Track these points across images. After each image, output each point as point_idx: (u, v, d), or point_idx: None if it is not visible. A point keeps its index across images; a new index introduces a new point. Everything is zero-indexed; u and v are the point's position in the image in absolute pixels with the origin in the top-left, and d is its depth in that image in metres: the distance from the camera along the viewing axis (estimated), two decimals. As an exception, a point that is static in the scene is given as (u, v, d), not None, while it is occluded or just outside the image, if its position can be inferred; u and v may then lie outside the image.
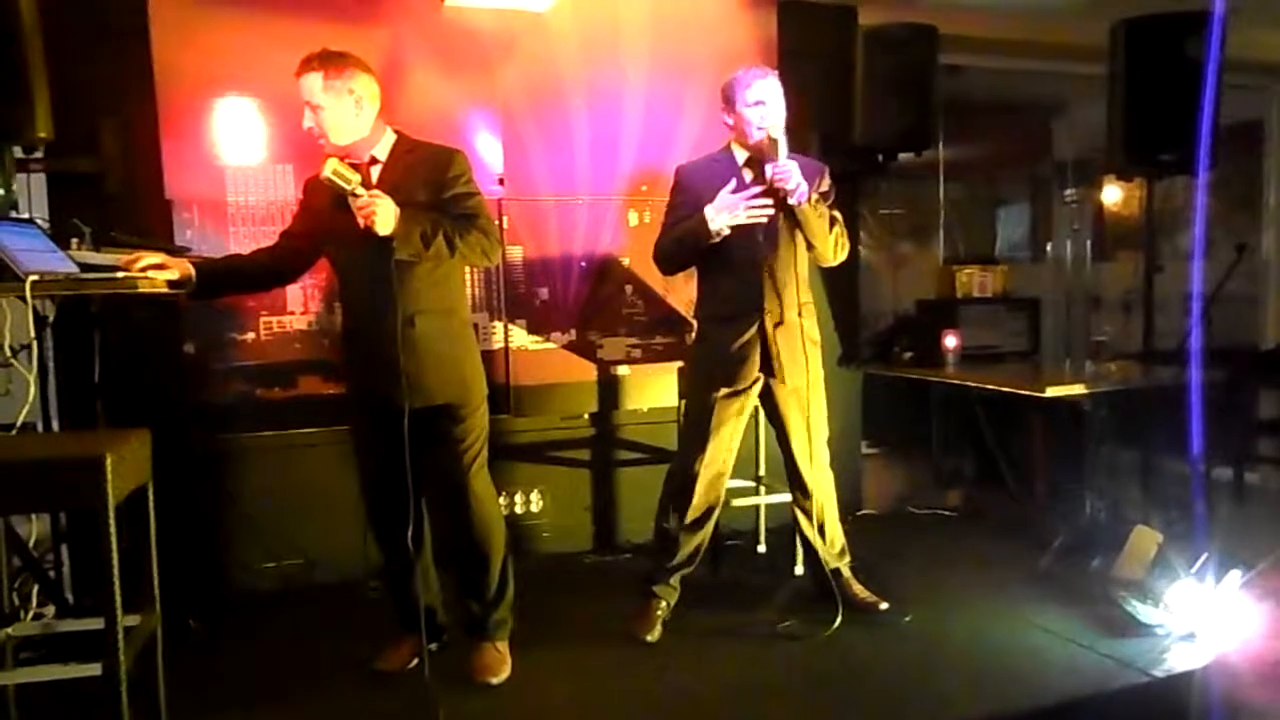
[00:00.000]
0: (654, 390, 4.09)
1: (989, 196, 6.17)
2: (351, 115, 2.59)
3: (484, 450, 2.77)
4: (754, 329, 3.04)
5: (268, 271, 2.82)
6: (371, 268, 2.54)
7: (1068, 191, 5.61)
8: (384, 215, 2.43)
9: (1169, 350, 3.78)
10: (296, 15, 3.58)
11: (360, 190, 2.46)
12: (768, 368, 3.07)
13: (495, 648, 2.80)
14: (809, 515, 3.21)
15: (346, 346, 2.81)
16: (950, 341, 4.22)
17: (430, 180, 2.63)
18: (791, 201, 2.91)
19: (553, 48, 3.91)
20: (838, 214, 3.09)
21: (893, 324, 4.84)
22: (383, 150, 2.66)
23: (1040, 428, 4.06)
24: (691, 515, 3.13)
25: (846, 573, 3.28)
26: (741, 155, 3.06)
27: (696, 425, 3.12)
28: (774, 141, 2.87)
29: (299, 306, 3.66)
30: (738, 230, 2.94)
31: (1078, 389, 3.62)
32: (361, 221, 2.44)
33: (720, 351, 3.06)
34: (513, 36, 3.84)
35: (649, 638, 3.04)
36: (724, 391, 3.05)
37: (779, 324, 3.05)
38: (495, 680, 2.73)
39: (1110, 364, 4.10)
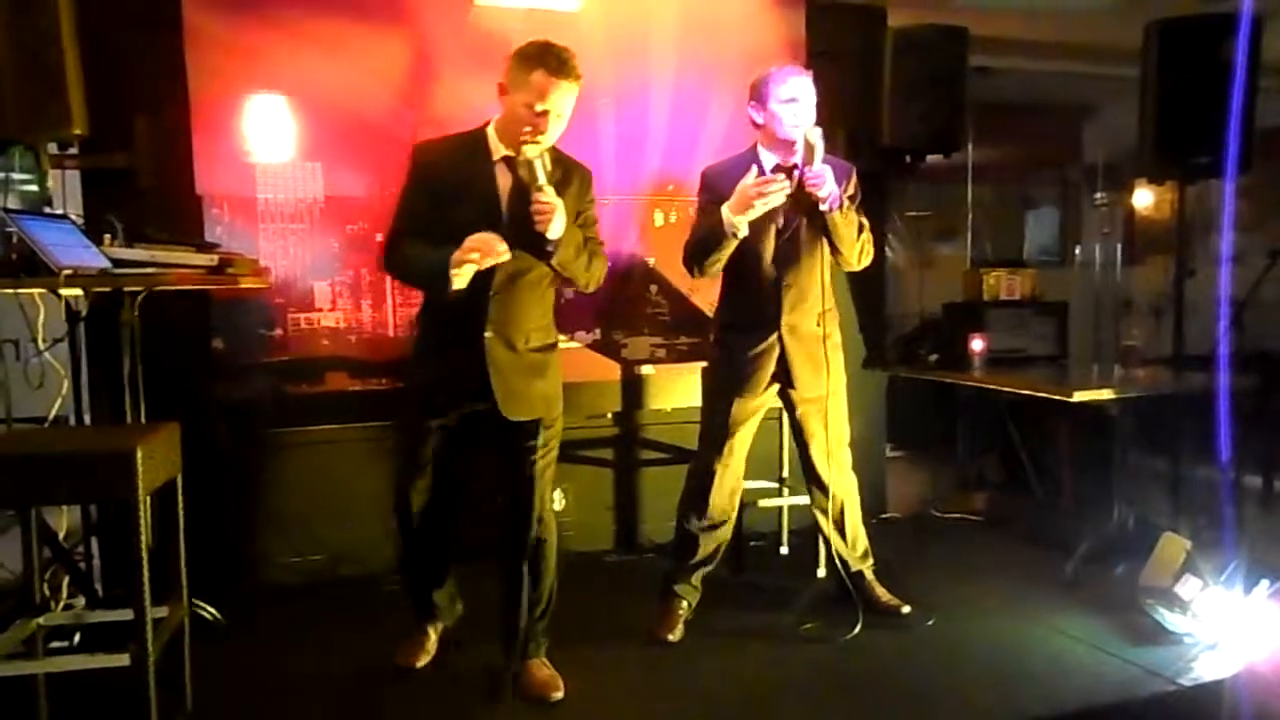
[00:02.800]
0: (678, 390, 4.08)
1: (1018, 199, 6.13)
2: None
3: (554, 464, 2.75)
4: (771, 339, 3.04)
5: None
6: (505, 273, 2.53)
7: (1097, 194, 5.56)
8: (559, 220, 2.43)
9: (1200, 356, 3.73)
10: (327, 14, 3.61)
11: (548, 187, 2.43)
12: (785, 377, 3.07)
13: (544, 663, 2.74)
14: (828, 516, 3.21)
15: (438, 349, 2.68)
16: (977, 344, 4.18)
17: (573, 195, 2.61)
18: (823, 208, 2.89)
19: (581, 48, 3.85)
20: (864, 219, 3.08)
21: (919, 326, 4.81)
22: (549, 159, 2.54)
23: (1067, 433, 4.02)
24: (711, 514, 3.13)
25: (869, 575, 3.27)
26: (769, 158, 3.02)
27: (714, 427, 3.13)
28: (811, 147, 2.82)
29: (327, 303, 3.69)
30: (758, 239, 2.95)
31: (1106, 394, 3.58)
32: (538, 222, 2.41)
33: (737, 360, 3.06)
34: (542, 35, 3.84)
35: (671, 637, 3.04)
36: (740, 398, 3.06)
37: (797, 334, 3.05)
38: (558, 695, 2.65)
39: (1139, 369, 4.06)
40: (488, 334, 2.57)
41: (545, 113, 2.46)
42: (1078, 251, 5.67)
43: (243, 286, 3.22)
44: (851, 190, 3.09)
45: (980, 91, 4.42)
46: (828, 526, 3.22)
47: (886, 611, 3.19)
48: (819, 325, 3.08)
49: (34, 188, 3.47)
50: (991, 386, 3.97)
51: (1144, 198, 5.78)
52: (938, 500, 4.66)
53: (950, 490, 4.76)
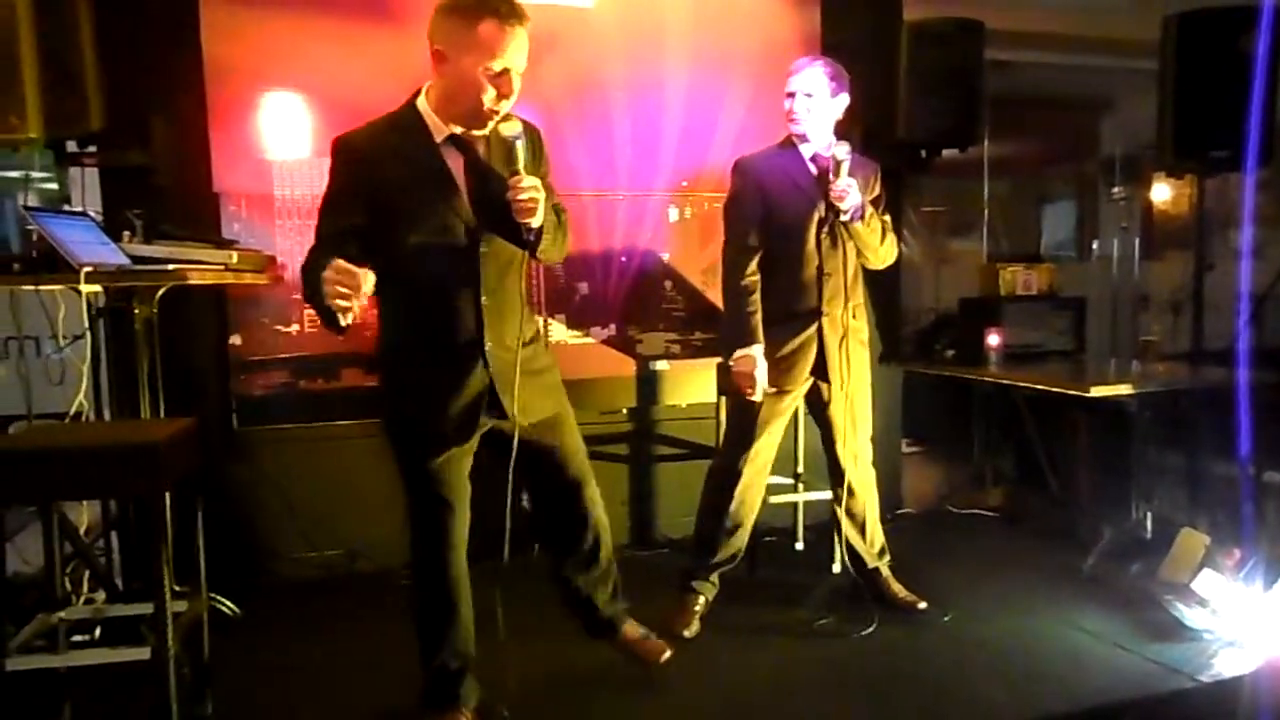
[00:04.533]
0: (693, 386, 4.08)
1: (1034, 193, 6.09)
2: None
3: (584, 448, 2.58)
4: (810, 331, 3.03)
5: None
6: (491, 269, 2.24)
7: (1115, 189, 5.52)
8: (544, 205, 2.12)
9: (1219, 351, 3.70)
10: (343, 11, 3.62)
11: (523, 170, 2.09)
12: (820, 370, 3.06)
13: (635, 624, 2.69)
14: (852, 515, 3.20)
15: (424, 367, 2.27)
16: (993, 340, 4.16)
17: (536, 162, 2.25)
18: (844, 219, 2.92)
19: (595, 43, 3.91)
20: (888, 218, 3.10)
21: (935, 321, 4.80)
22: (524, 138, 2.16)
23: (1085, 428, 4.00)
24: (734, 512, 3.12)
25: (885, 571, 3.26)
26: (808, 149, 3.03)
27: (742, 423, 3.10)
28: (839, 163, 2.86)
29: (343, 299, 3.70)
30: (794, 232, 2.98)
31: (1124, 389, 3.56)
32: (519, 210, 2.09)
33: (773, 353, 3.02)
34: (556, 32, 3.85)
35: (686, 633, 3.04)
36: (772, 391, 3.03)
37: (834, 325, 3.04)
38: (668, 653, 2.65)
39: (1157, 364, 4.03)
40: (488, 344, 2.26)
41: (506, 71, 2.09)
42: (1095, 246, 5.63)
43: (259, 282, 3.24)
44: (876, 191, 3.13)
45: (997, 85, 4.40)
46: (848, 523, 3.21)
47: (903, 607, 3.18)
48: (853, 318, 3.09)
49: (53, 185, 3.50)
50: (1008, 382, 3.95)
51: (1162, 192, 5.73)
52: (954, 496, 4.64)
53: (966, 486, 4.74)
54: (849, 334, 3.06)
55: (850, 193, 2.86)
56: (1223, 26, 3.48)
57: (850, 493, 3.17)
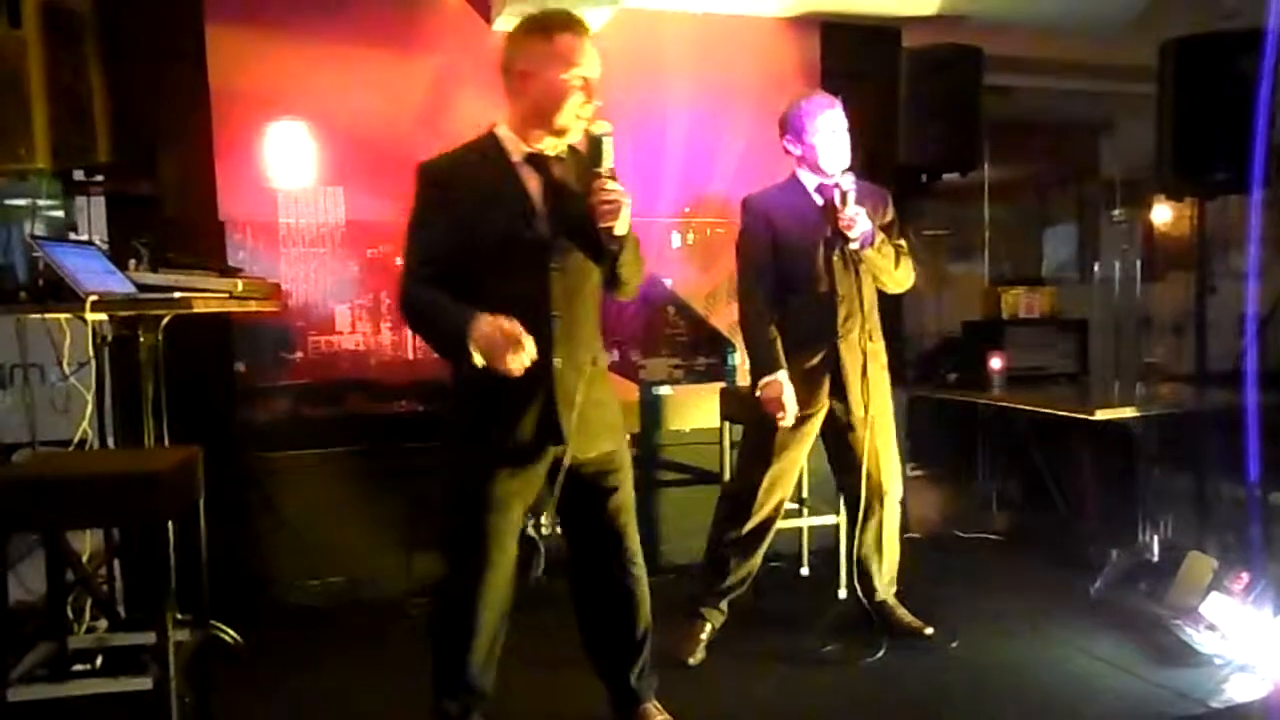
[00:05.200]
0: (696, 411, 4.08)
1: (1035, 216, 6.10)
2: None
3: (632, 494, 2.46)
4: (825, 354, 3.04)
5: None
6: (562, 285, 2.21)
7: (1116, 211, 5.53)
8: (627, 215, 2.13)
9: (1223, 372, 3.69)
10: (347, 40, 3.66)
11: (607, 175, 2.12)
12: (839, 393, 3.06)
13: (657, 707, 2.53)
14: (875, 545, 3.17)
15: (494, 386, 2.13)
16: (996, 363, 4.17)
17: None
18: (853, 247, 2.96)
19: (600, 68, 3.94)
20: (902, 243, 3.14)
21: (938, 345, 4.80)
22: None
23: (1090, 451, 3.99)
24: (746, 536, 3.10)
25: (892, 600, 3.24)
26: (811, 181, 3.07)
27: (759, 448, 3.09)
28: (844, 194, 2.90)
29: (347, 326, 3.72)
30: (803, 261, 3.01)
31: (1128, 412, 3.55)
32: (603, 216, 2.10)
33: (794, 377, 3.00)
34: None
35: (691, 661, 3.02)
36: (800, 413, 3.01)
37: (851, 350, 3.05)
38: None
39: (1161, 386, 4.03)
40: (557, 361, 2.20)
41: (589, 80, 2.17)
42: (1096, 268, 5.63)
43: (264, 310, 3.25)
44: (888, 217, 3.16)
45: (996, 110, 4.42)
46: (868, 553, 3.18)
47: (909, 634, 3.16)
48: (871, 340, 3.10)
49: (59, 214, 3.52)
50: (1011, 405, 3.94)
51: (1163, 214, 5.74)
52: (959, 520, 4.62)
53: (972, 510, 4.72)
54: (868, 357, 3.07)
55: (858, 220, 2.91)
56: (1220, 50, 3.50)
57: (880, 523, 3.16)
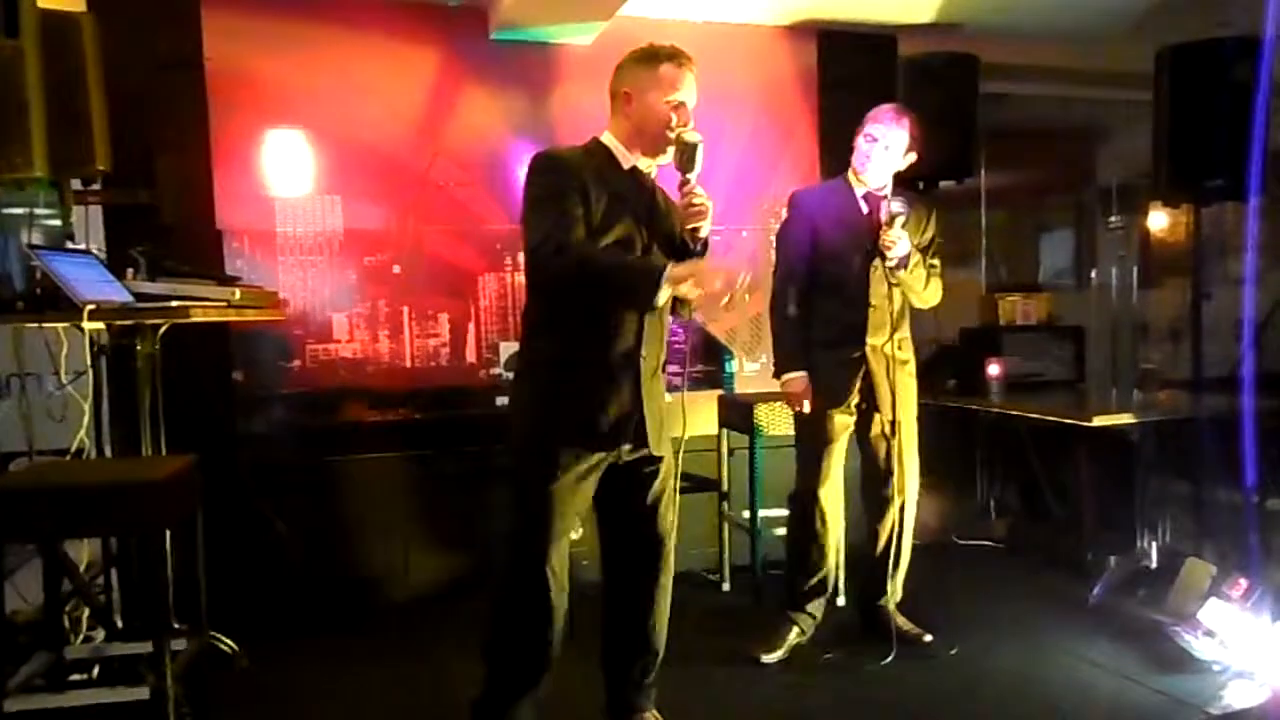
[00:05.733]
0: (694, 418, 4.06)
1: (1032, 223, 6.11)
2: None
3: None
4: (853, 356, 3.08)
5: None
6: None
7: (1112, 218, 5.54)
8: (710, 217, 2.28)
9: (1219, 378, 3.70)
10: (345, 49, 3.67)
11: (693, 179, 2.28)
12: (869, 395, 3.11)
13: (656, 716, 2.55)
14: (898, 554, 3.18)
15: (584, 378, 2.31)
16: (994, 369, 4.17)
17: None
18: (890, 265, 3.01)
19: (597, 79, 3.93)
20: (936, 263, 3.19)
21: (935, 352, 4.79)
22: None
23: (1087, 458, 3.99)
24: (820, 533, 3.14)
25: (892, 607, 3.24)
26: (859, 186, 3.11)
27: (816, 444, 3.12)
28: (894, 216, 2.96)
29: (345, 335, 3.72)
30: (841, 265, 3.06)
31: (1126, 418, 3.56)
32: (689, 213, 2.25)
33: (824, 373, 3.08)
34: (558, 68, 3.90)
35: (765, 658, 3.06)
36: (834, 409, 3.08)
37: (878, 357, 3.09)
38: None
39: (1159, 393, 4.03)
40: (644, 358, 2.34)
41: (684, 104, 2.36)
42: (1093, 275, 5.63)
43: (262, 319, 3.25)
44: (930, 232, 3.22)
45: (992, 117, 4.43)
46: (884, 560, 3.18)
47: (909, 641, 3.15)
48: (899, 349, 3.13)
49: (56, 223, 3.52)
50: (1009, 412, 3.95)
51: (1159, 220, 5.76)
52: (957, 526, 4.62)
53: (970, 516, 4.72)
54: (895, 364, 3.10)
55: (899, 244, 2.96)
56: (1214, 58, 3.51)
57: (901, 530, 3.17)
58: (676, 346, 4.09)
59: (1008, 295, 4.56)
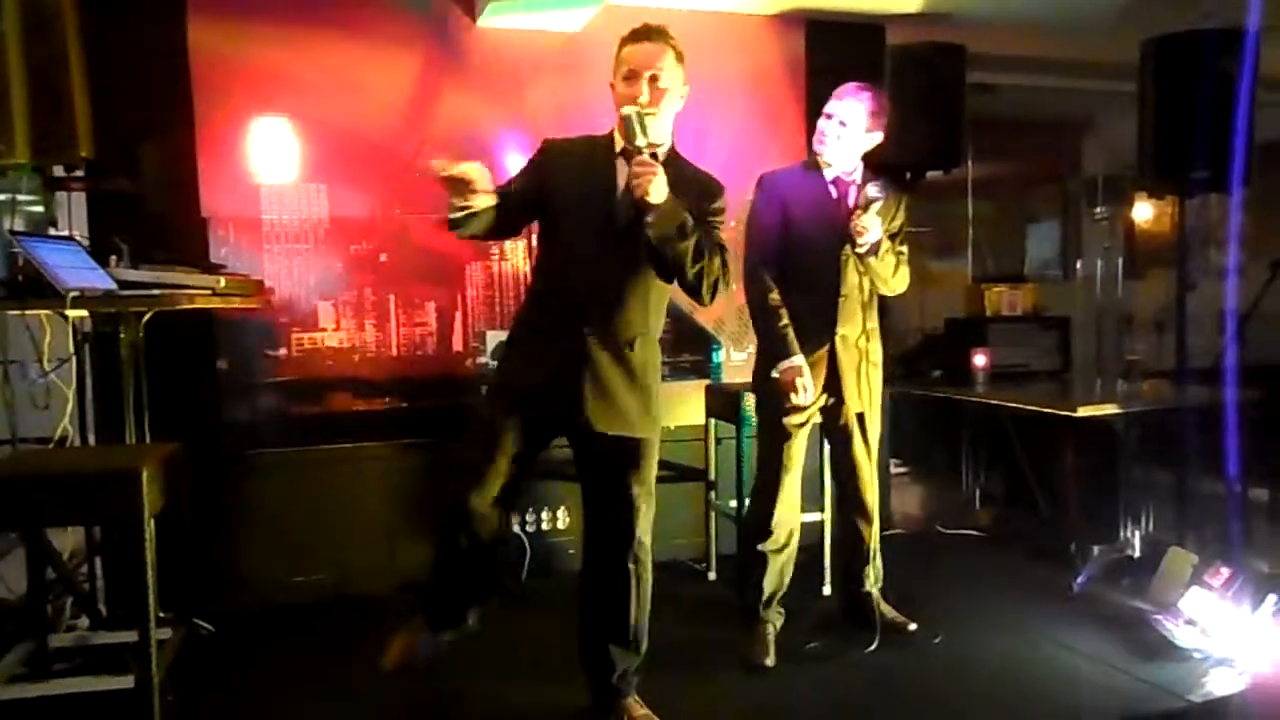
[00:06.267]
0: (681, 408, 4.07)
1: (1018, 214, 6.14)
2: (675, 108, 2.49)
3: (653, 492, 2.53)
4: (824, 349, 3.02)
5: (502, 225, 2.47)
6: (600, 261, 2.38)
7: (1098, 209, 5.57)
8: (659, 184, 2.23)
9: (1203, 369, 3.73)
10: (331, 37, 3.64)
11: (645, 150, 2.26)
12: (835, 389, 3.05)
13: (637, 701, 2.57)
14: (865, 542, 3.18)
15: (532, 341, 2.49)
16: (979, 360, 4.19)
17: (696, 198, 2.42)
18: (859, 252, 2.94)
19: (583, 68, 3.94)
20: (904, 250, 3.11)
21: (921, 342, 4.82)
22: (661, 154, 2.40)
23: (1072, 447, 4.01)
24: (776, 537, 3.08)
25: (877, 594, 3.25)
26: (830, 170, 3.06)
27: (774, 441, 3.07)
28: (870, 201, 2.90)
29: (331, 323, 3.71)
30: (812, 252, 3.00)
31: (1110, 408, 3.58)
32: (635, 185, 2.24)
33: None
34: (543, 57, 3.88)
35: (767, 661, 2.99)
36: (800, 412, 3.01)
37: (848, 347, 3.04)
38: None
39: (1143, 383, 4.06)
40: (587, 331, 2.39)
41: (633, 75, 2.38)
42: (1079, 266, 5.67)
43: (247, 307, 3.23)
44: (900, 219, 3.14)
45: (979, 107, 4.44)
46: (858, 550, 3.19)
47: (893, 629, 3.17)
48: (868, 341, 3.09)
49: (39, 209, 3.49)
50: (994, 402, 3.97)
51: (1144, 211, 5.79)
52: (942, 516, 4.65)
53: (954, 506, 4.75)
54: (865, 357, 3.07)
55: (870, 231, 2.90)
56: (1199, 50, 3.53)
57: (869, 519, 3.17)
58: (663, 335, 4.09)
59: (994, 286, 4.59)
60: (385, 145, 3.73)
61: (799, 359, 2.95)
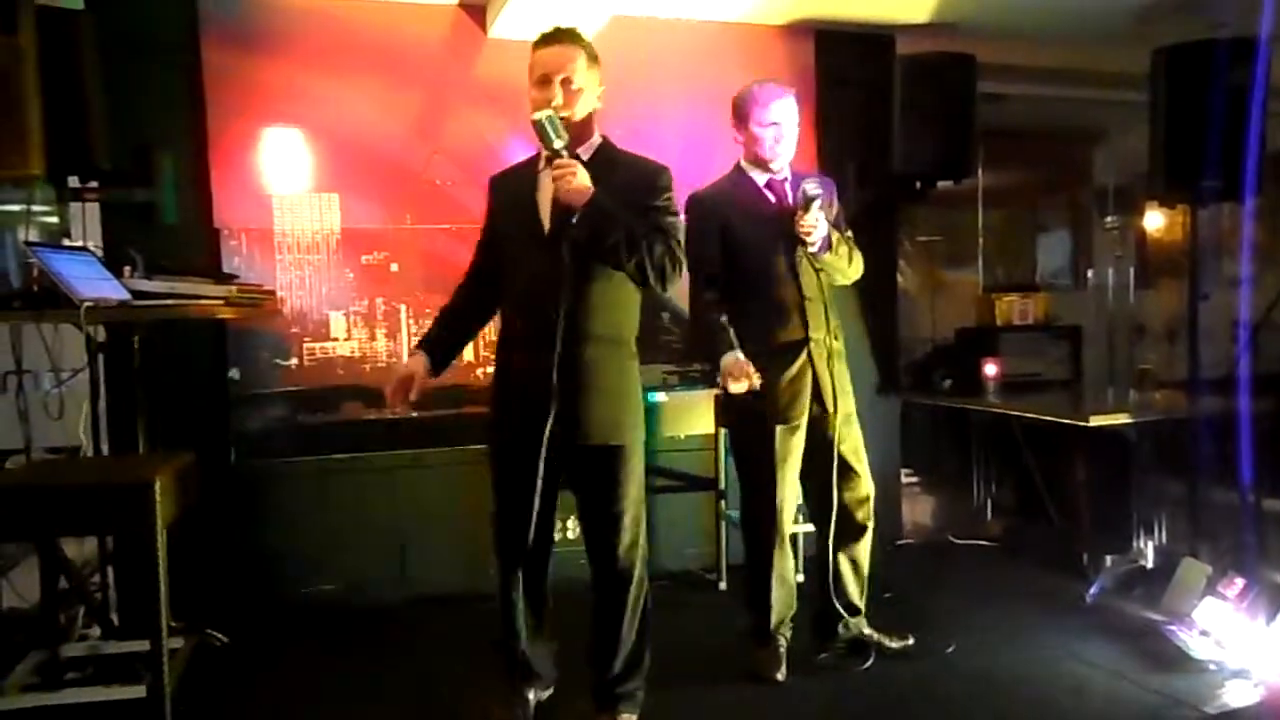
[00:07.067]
0: (691, 417, 4.08)
1: (1029, 223, 6.12)
2: (592, 108, 2.47)
3: (641, 500, 2.52)
4: (803, 359, 2.92)
5: (478, 303, 2.63)
6: (543, 271, 2.36)
7: (1109, 218, 5.55)
8: (580, 181, 2.27)
9: (1216, 379, 3.71)
10: (342, 49, 3.66)
11: (564, 152, 2.29)
12: (818, 397, 2.95)
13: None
14: (854, 556, 3.07)
15: (504, 365, 2.52)
16: (990, 369, 4.18)
17: (633, 188, 2.41)
18: (811, 251, 2.87)
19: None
20: (849, 234, 3.04)
21: (932, 352, 4.80)
22: (587, 152, 2.44)
23: (1084, 458, 3.99)
24: (778, 561, 2.98)
25: (865, 626, 3.13)
26: (759, 175, 2.98)
27: (761, 465, 2.95)
28: (810, 199, 2.79)
29: (342, 333, 3.72)
30: (763, 262, 2.91)
31: (1122, 418, 3.56)
32: (556, 187, 2.28)
33: (774, 385, 2.88)
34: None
35: (779, 676, 2.93)
36: (782, 427, 2.91)
37: (821, 351, 2.94)
38: None
39: (1155, 393, 4.04)
40: (547, 346, 2.35)
41: (545, 80, 2.38)
42: (1090, 275, 5.65)
43: (259, 317, 3.25)
44: (835, 208, 3.05)
45: (990, 117, 4.44)
46: (845, 563, 3.08)
47: (891, 652, 3.08)
48: (835, 339, 3.01)
49: (54, 220, 3.52)
50: (1006, 412, 3.95)
51: (1155, 221, 5.77)
52: (953, 527, 4.63)
53: (966, 516, 4.73)
54: (833, 356, 2.98)
55: (817, 229, 2.82)
56: (1210, 60, 3.52)
57: (860, 532, 3.06)
58: (673, 345, 4.09)
59: (1005, 295, 4.57)
60: (397, 156, 3.75)
61: (737, 352, 2.81)
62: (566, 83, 2.38)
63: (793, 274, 2.92)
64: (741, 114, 2.96)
